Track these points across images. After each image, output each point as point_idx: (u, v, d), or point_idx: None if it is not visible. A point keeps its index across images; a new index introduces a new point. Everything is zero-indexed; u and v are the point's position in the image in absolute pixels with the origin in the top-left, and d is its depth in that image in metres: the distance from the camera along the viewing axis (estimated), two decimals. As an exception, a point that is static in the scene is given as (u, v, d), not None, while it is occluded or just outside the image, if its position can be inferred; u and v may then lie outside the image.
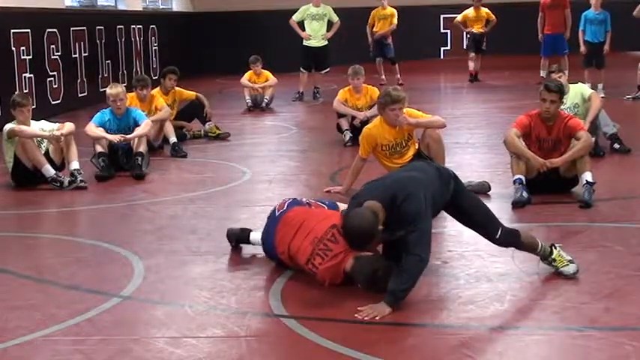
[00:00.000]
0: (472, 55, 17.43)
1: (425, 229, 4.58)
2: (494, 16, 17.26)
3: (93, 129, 8.76)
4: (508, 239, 4.99)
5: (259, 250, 5.61)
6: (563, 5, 15.88)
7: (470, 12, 17.39)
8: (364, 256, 4.83)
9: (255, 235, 5.70)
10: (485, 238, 5.01)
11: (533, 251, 5.06)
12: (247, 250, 5.77)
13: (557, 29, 15.85)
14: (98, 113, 8.95)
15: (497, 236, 4.94)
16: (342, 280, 4.89)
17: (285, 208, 5.39)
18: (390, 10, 16.97)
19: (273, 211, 5.45)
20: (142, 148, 8.71)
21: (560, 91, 7.12)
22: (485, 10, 17.32)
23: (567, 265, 5.02)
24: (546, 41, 16.00)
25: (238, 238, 5.80)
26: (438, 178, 4.85)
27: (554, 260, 5.04)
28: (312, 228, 5.03)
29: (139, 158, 8.60)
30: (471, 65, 17.42)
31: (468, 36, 17.60)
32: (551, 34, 15.90)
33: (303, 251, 5.00)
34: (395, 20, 16.88)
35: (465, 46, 17.78)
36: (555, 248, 5.07)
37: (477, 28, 17.25)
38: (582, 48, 14.54)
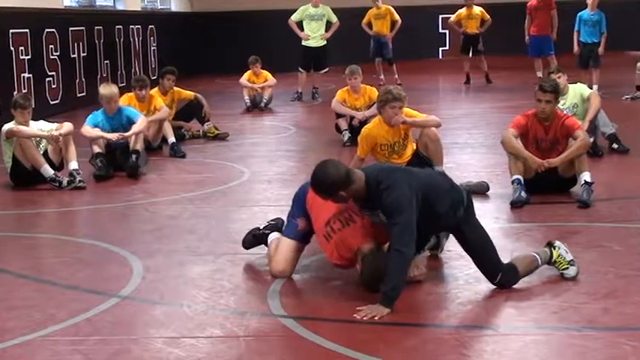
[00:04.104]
0: (465, 56, 17.37)
1: (407, 222, 4.54)
2: (488, 16, 17.10)
3: (89, 130, 8.72)
4: (507, 281, 4.86)
5: (258, 250, 5.60)
6: (549, 6, 15.86)
7: (462, 11, 17.28)
8: (384, 252, 4.81)
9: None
10: (484, 276, 4.90)
11: (536, 270, 5.01)
12: (246, 250, 5.77)
13: (542, 31, 15.83)
14: (90, 115, 8.90)
15: (496, 281, 4.84)
16: (349, 257, 4.86)
17: None
18: (384, 8, 16.84)
19: None
20: (139, 146, 8.69)
21: (555, 91, 7.10)
22: (478, 9, 17.17)
23: (567, 267, 5.00)
24: (532, 42, 16.01)
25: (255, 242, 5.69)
26: (444, 191, 4.80)
27: (555, 262, 5.02)
28: None
29: (135, 156, 8.59)
30: (466, 67, 17.40)
31: (462, 37, 17.46)
32: (537, 36, 15.89)
33: (327, 209, 4.95)
34: (395, 17, 16.75)
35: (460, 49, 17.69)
36: (554, 248, 5.05)
37: (470, 28, 17.17)
38: (576, 49, 14.47)
